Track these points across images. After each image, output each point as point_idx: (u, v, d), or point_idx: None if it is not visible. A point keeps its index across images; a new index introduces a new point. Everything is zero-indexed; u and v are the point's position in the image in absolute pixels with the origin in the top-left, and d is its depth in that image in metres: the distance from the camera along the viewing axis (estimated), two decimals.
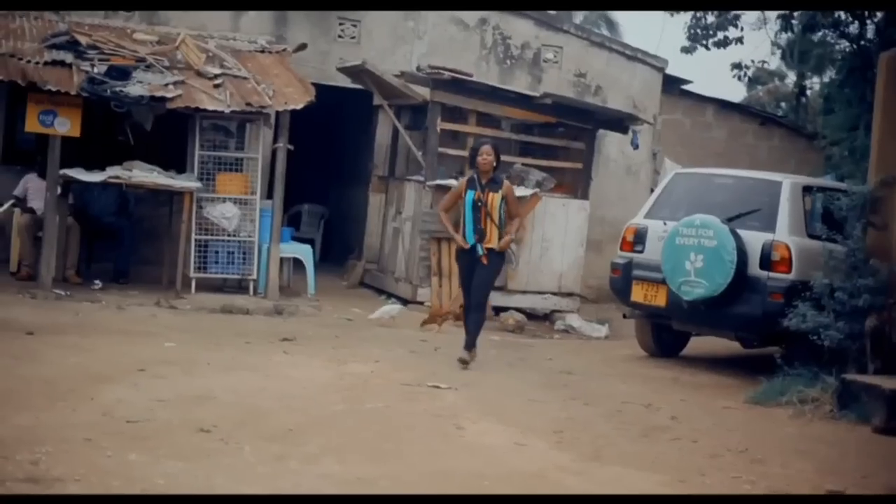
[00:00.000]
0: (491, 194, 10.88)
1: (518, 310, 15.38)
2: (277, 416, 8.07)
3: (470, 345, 11.02)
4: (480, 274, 10.99)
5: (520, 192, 15.28)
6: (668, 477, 7.35)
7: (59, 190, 13.93)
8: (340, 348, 11.35)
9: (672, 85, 21.32)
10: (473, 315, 11.11)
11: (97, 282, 14.05)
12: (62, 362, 9.21)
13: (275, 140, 15.03)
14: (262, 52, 16.44)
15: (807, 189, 11.98)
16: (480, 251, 10.90)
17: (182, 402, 8.18)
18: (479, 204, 10.85)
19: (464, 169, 15.48)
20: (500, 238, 10.92)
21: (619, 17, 46.33)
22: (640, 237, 12.48)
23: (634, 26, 65.02)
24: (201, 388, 8.73)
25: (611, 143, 18.88)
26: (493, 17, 18.82)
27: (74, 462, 6.32)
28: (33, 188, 14.77)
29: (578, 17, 43.92)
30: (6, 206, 14.50)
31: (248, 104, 14.35)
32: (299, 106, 14.49)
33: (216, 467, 6.53)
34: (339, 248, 20.03)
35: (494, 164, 10.92)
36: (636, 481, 7.18)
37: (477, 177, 10.99)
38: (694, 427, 9.12)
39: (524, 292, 15.72)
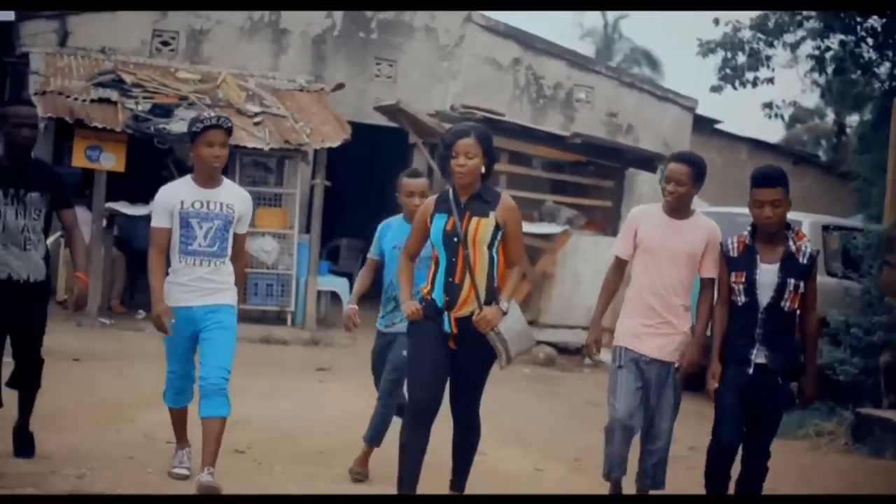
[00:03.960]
0: (476, 220, 6.28)
1: (549, 344, 15.67)
2: (309, 441, 8.46)
3: (461, 485, 6.89)
4: (465, 370, 6.52)
5: (550, 228, 15.69)
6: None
7: (104, 223, 14.46)
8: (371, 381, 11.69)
9: (704, 124, 21.66)
10: (462, 439, 6.80)
11: (141, 311, 14.49)
12: (106, 387, 9.66)
13: (313, 176, 15.50)
14: (301, 90, 16.96)
15: (826, 228, 12.27)
16: (448, 326, 6.35)
17: None
18: (455, 239, 6.28)
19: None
20: (485, 300, 6.32)
21: (661, 55, 46.58)
22: None
23: (674, 66, 65.39)
24: (237, 414, 9.03)
25: (643, 181, 19.20)
26: (526, 57, 19.30)
27: (117, 478, 6.77)
28: (80, 221, 15.25)
29: (618, 55, 44.37)
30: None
31: (287, 142, 14.84)
32: (335, 144, 14.98)
33: (248, 485, 6.95)
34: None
35: (482, 169, 6.33)
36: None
37: (453, 191, 6.39)
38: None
39: (555, 327, 15.98)
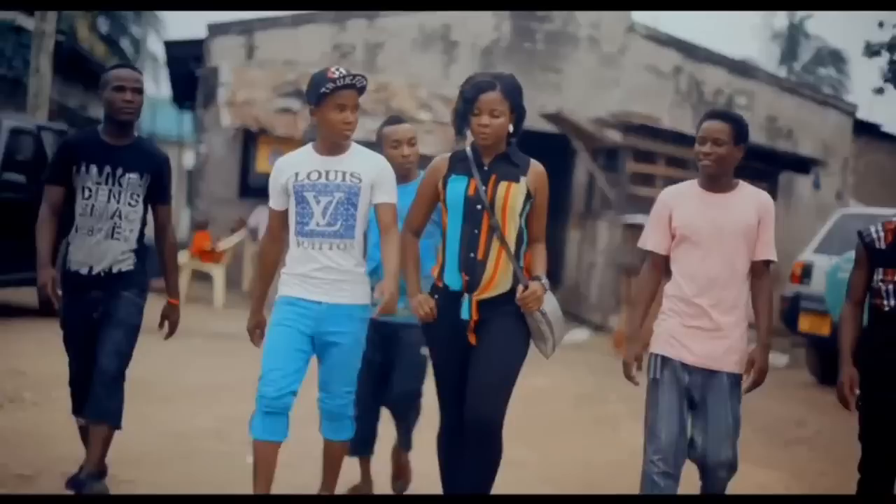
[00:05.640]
0: (505, 185, 5.23)
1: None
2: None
3: None
4: (485, 361, 5.22)
5: None
6: (786, 474, 8.32)
7: None
8: (527, 364, 12.59)
9: (868, 128, 21.97)
10: (477, 458, 5.30)
11: None
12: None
13: None
14: None
15: None
16: (467, 311, 5.23)
17: None
18: (479, 206, 5.21)
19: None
20: (515, 279, 5.23)
21: (850, 53, 45.99)
22: (807, 271, 13.42)
23: (862, 66, 64.48)
24: None
25: (803, 184, 19.72)
26: (687, 65, 20.05)
27: None
28: (264, 219, 16.55)
29: (807, 55, 44.09)
30: (237, 234, 16.27)
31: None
32: None
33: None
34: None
35: (510, 128, 5.26)
36: (753, 475, 8.19)
37: (473, 152, 5.30)
38: (834, 440, 9.94)
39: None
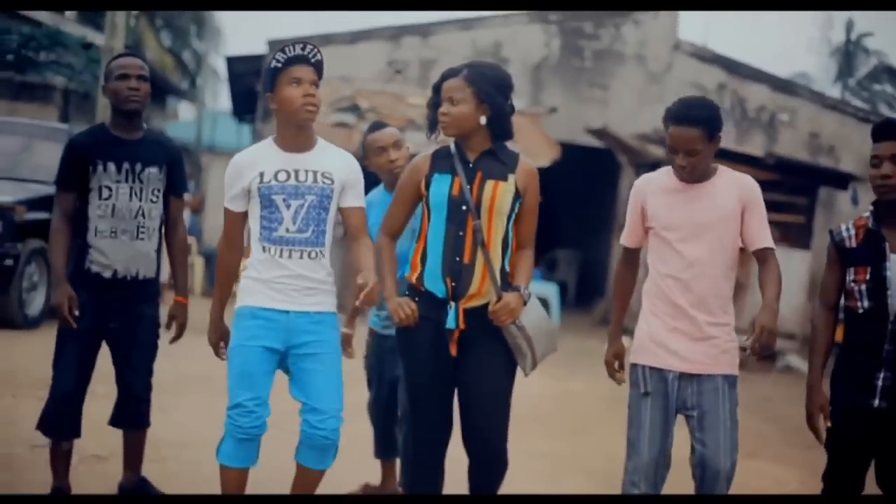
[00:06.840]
0: (491, 183, 4.85)
1: (742, 348, 16.72)
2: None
3: None
4: (482, 385, 4.86)
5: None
6: (804, 471, 8.81)
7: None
8: (563, 368, 13.02)
9: None
10: (481, 475, 4.99)
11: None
12: None
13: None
14: (519, 114, 18.59)
15: None
16: (453, 321, 4.83)
17: None
18: (464, 207, 4.83)
19: None
20: (503, 286, 4.84)
21: None
22: None
23: None
24: None
25: (843, 200, 20.15)
26: (731, 82, 20.62)
27: None
28: None
29: (862, 69, 44.12)
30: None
31: None
32: (545, 164, 16.52)
33: None
34: (593, 290, 22.00)
35: (481, 120, 4.85)
36: (772, 471, 8.76)
37: (457, 148, 4.93)
38: None
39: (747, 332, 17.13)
